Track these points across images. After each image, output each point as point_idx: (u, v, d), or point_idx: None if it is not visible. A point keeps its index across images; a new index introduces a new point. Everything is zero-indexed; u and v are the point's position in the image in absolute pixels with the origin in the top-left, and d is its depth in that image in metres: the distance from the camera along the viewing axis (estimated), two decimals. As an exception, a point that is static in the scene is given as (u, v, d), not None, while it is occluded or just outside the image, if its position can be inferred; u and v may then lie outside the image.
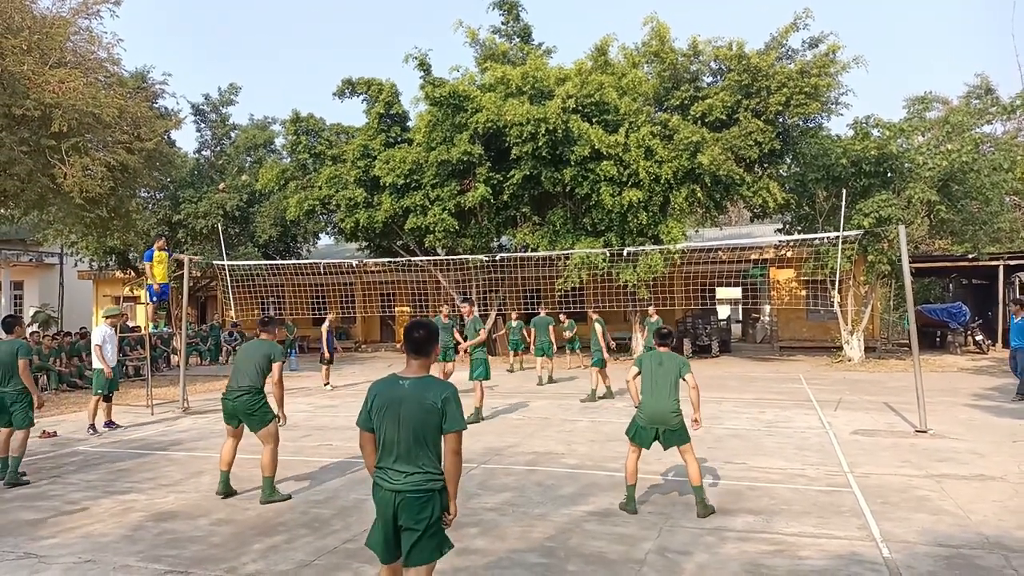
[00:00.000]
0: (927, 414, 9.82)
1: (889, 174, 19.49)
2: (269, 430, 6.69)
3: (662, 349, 6.34)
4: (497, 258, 18.33)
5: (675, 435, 6.07)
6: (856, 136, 19.85)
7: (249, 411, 6.65)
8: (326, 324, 16.47)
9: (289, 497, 6.66)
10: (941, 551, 5.04)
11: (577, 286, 20.30)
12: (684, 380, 6.09)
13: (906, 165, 19.37)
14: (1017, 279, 24.70)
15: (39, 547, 5.42)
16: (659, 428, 6.07)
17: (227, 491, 6.79)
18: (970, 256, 23.53)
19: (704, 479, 6.25)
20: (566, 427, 10.37)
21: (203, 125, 28.56)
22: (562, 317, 19.17)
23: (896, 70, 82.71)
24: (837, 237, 16.44)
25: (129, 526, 5.93)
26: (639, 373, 6.23)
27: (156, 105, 21.38)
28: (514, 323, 19.72)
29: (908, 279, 10.30)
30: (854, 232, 15.77)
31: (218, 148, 28.82)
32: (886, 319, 29.97)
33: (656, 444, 6.16)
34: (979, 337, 23.61)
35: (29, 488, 7.31)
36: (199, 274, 27.30)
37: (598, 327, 13.77)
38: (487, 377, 10.93)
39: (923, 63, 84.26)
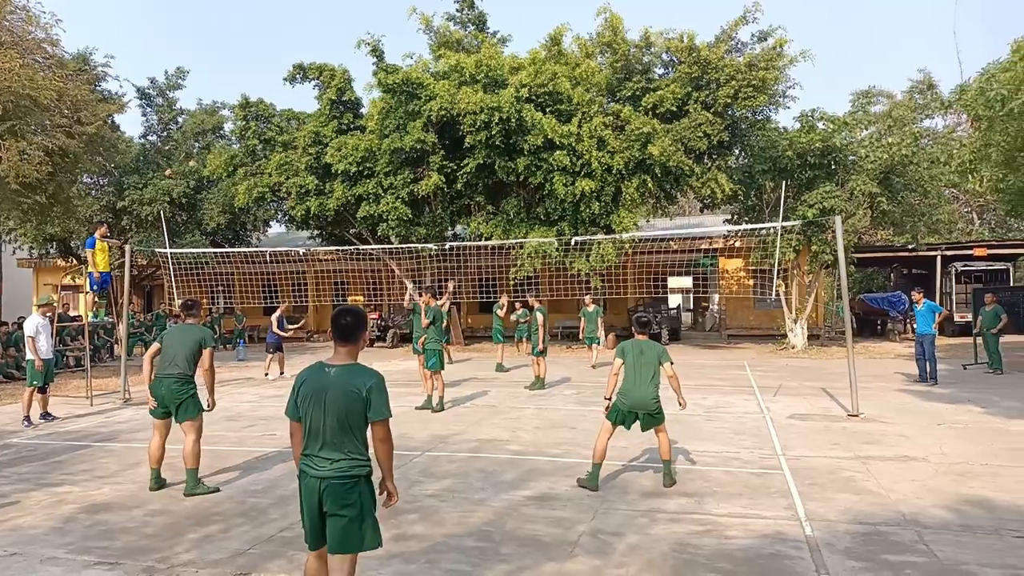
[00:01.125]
0: (863, 399, 10.19)
1: (833, 166, 20.02)
2: (194, 422, 6.54)
3: (641, 337, 6.54)
4: (447, 247, 18.30)
5: (654, 419, 6.48)
6: (802, 129, 20.34)
7: (178, 399, 6.49)
8: (277, 313, 16.16)
9: (217, 490, 6.53)
10: (860, 528, 5.26)
11: (531, 275, 20.40)
12: (663, 368, 6.42)
13: (849, 158, 19.94)
14: (954, 269, 25.62)
15: (-36, 541, 5.29)
16: (640, 412, 6.40)
17: (160, 485, 6.63)
18: (910, 247, 24.38)
19: (633, 462, 6.43)
20: (513, 414, 10.47)
21: (149, 109, 27.87)
22: (517, 305, 19.23)
23: (845, 64, 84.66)
24: (783, 227, 16.86)
25: (60, 518, 5.82)
26: (623, 362, 6.40)
27: (98, 88, 20.81)
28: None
29: (843, 269, 10.62)
30: (793, 223, 16.15)
31: (164, 133, 28.15)
32: (830, 308, 30.85)
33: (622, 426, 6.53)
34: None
35: (-43, 481, 7.11)
36: (145, 262, 26.70)
37: (539, 316, 13.88)
38: (441, 367, 10.94)
39: (871, 57, 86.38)
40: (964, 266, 25.58)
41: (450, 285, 13.86)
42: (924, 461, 7.24)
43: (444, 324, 11.65)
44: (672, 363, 6.46)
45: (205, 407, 6.71)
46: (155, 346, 6.72)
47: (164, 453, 6.69)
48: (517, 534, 5.28)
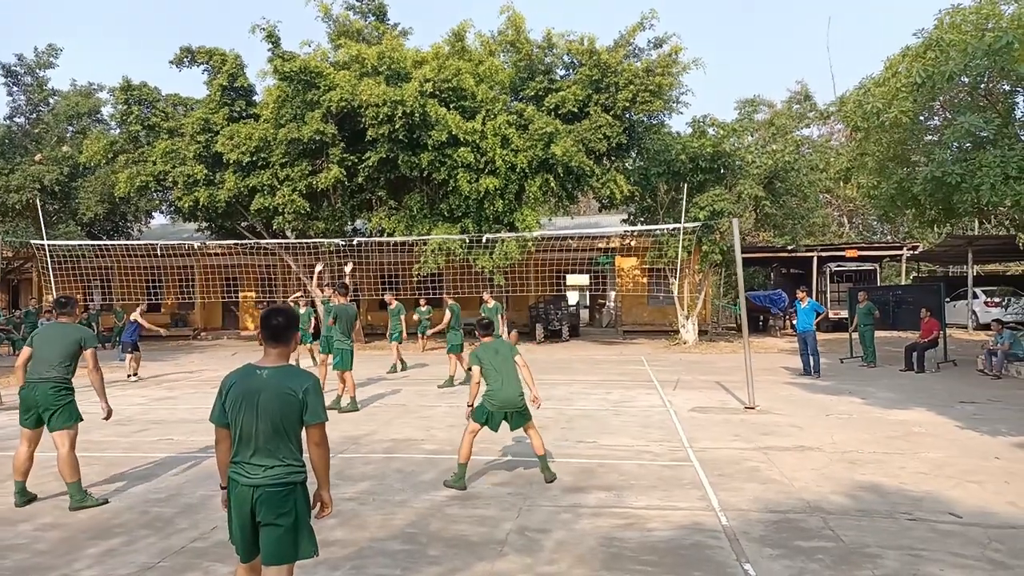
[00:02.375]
0: (755, 392, 10.75)
1: (722, 170, 21.02)
2: (69, 431, 5.98)
3: (487, 339, 6.58)
4: (355, 242, 17.89)
5: (522, 416, 6.52)
6: (694, 134, 21.25)
7: (53, 406, 5.93)
8: (136, 312, 15.06)
9: (106, 501, 6.03)
10: (771, 517, 5.54)
11: (434, 272, 20.26)
12: (515, 361, 6.48)
13: (737, 163, 20.98)
14: (828, 268, 27.47)
15: None
16: (508, 411, 6.43)
17: (27, 500, 6.02)
18: (789, 247, 25.92)
19: (544, 456, 6.55)
20: (424, 413, 10.36)
21: (16, 89, 25.64)
22: (421, 301, 19.01)
23: (728, 73, 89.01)
24: (676, 228, 17.54)
25: (-67, 538, 5.26)
26: (481, 368, 6.40)
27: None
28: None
29: (740, 269, 11.17)
30: (692, 224, 16.83)
31: (34, 115, 26.01)
32: (717, 305, 32.38)
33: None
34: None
35: None
36: (11, 254, 24.60)
37: (449, 313, 13.85)
38: (349, 367, 10.66)
39: (751, 67, 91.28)
40: (838, 266, 27.47)
41: (347, 268, 13.57)
42: (819, 450, 7.72)
43: (355, 323, 11.33)
44: (521, 355, 6.59)
45: (102, 414, 6.22)
46: (27, 350, 6.10)
47: (32, 465, 6.09)
48: (443, 535, 5.23)
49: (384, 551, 4.92)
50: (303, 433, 3.46)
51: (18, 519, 5.67)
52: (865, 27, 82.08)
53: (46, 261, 14.54)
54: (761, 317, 28.57)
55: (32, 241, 16.09)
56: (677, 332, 22.90)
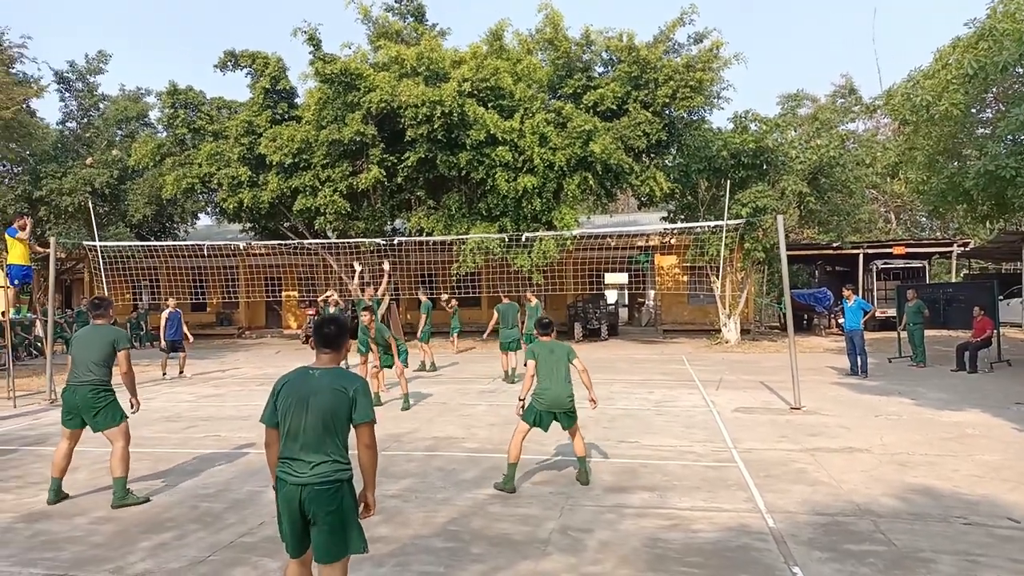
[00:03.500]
0: (801, 392, 10.54)
1: (765, 166, 20.66)
2: (119, 429, 6.09)
3: (545, 339, 6.53)
4: (396, 241, 18.03)
5: (570, 417, 6.45)
6: (736, 130, 20.93)
7: (93, 407, 6.02)
8: (167, 311, 15.35)
9: (147, 500, 6.09)
10: (819, 519, 5.43)
11: (472, 271, 20.32)
12: (573, 365, 6.41)
13: (780, 158, 20.59)
14: (875, 266, 26.83)
15: None
16: (557, 412, 6.35)
17: (59, 499, 6.12)
18: (834, 244, 25.37)
19: (593, 458, 6.48)
20: (465, 412, 10.40)
21: (68, 95, 26.43)
22: (452, 301, 18.97)
23: (768, 67, 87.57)
24: (718, 225, 17.31)
25: (-5, 529, 5.45)
26: (536, 363, 6.35)
27: (13, 71, 19.58)
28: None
29: (785, 266, 10.97)
30: (736, 221, 16.58)
31: (85, 120, 26.76)
32: (759, 303, 31.90)
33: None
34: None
35: None
36: (64, 256, 25.37)
37: (496, 313, 13.90)
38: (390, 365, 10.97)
39: (794, 61, 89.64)
40: (884, 264, 26.81)
41: (386, 265, 13.49)
42: (868, 452, 7.54)
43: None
44: (579, 359, 6.51)
45: (129, 412, 6.33)
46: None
47: (69, 463, 6.20)
48: (486, 533, 5.23)
49: (427, 548, 4.95)
50: (350, 434, 3.50)
51: (74, 513, 5.84)
52: (912, 18, 79.99)
53: (98, 262, 14.95)
54: (805, 316, 28.05)
55: (84, 242, 16.54)
56: (719, 331, 22.61)
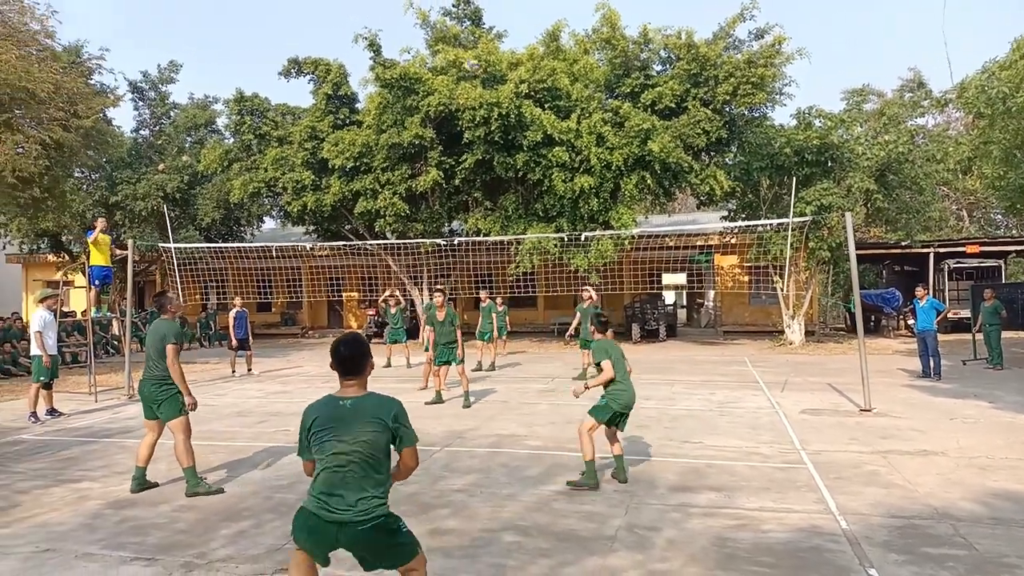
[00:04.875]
0: (871, 394, 10.26)
1: (830, 163, 20.12)
2: (178, 421, 6.30)
3: (601, 336, 6.55)
4: (456, 242, 18.21)
5: (626, 419, 6.53)
6: (799, 126, 20.44)
7: (156, 400, 6.31)
8: (234, 311, 15.83)
9: (221, 491, 6.30)
10: (894, 522, 5.29)
11: (529, 271, 20.37)
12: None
13: (846, 155, 20.03)
14: (946, 266, 25.85)
15: (-8, 538, 5.21)
16: (625, 412, 6.44)
17: (141, 488, 6.38)
18: (903, 243, 24.55)
19: (655, 457, 6.45)
20: (526, 410, 10.45)
21: (141, 103, 27.56)
22: (499, 301, 18.86)
23: (834, 62, 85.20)
24: (780, 224, 16.95)
25: (86, 514, 5.75)
26: (611, 361, 6.33)
27: (92, 82, 20.51)
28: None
29: (855, 265, 10.69)
30: (800, 219, 16.20)
31: (157, 127, 27.86)
32: (823, 304, 31.08)
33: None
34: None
35: (-29, 478, 7.00)
36: (137, 258, 26.46)
37: (579, 314, 14.07)
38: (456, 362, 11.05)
39: (859, 57, 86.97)
40: (956, 263, 25.81)
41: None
42: (943, 455, 7.30)
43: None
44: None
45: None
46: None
47: (151, 453, 6.45)
48: (552, 528, 5.27)
49: (495, 541, 5.01)
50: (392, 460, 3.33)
51: (158, 501, 6.11)
52: (986, 7, 76.67)
53: (172, 263, 15.56)
54: (872, 317, 27.22)
55: (160, 244, 17.25)
56: (781, 332, 22.13)
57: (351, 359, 3.31)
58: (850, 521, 5.31)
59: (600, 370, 6.39)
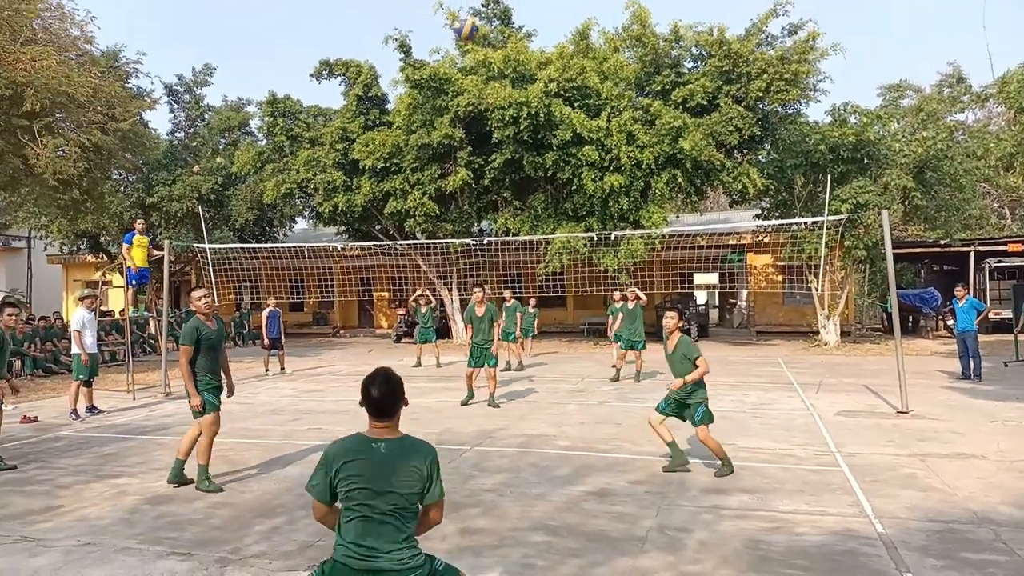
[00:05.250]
0: (909, 396, 10.06)
1: (866, 160, 19.75)
2: (203, 419, 6.37)
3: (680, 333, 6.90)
4: (486, 242, 18.23)
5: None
6: (834, 123, 20.10)
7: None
8: (267, 310, 16.02)
9: (220, 490, 6.31)
10: (932, 526, 5.17)
11: (558, 271, 20.32)
12: None
13: (883, 152, 19.65)
14: (987, 265, 25.20)
15: (35, 531, 5.35)
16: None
17: (180, 482, 6.55)
18: (942, 242, 24.00)
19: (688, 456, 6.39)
20: (555, 410, 10.43)
21: (176, 106, 28.07)
22: (531, 302, 18.66)
23: (869, 57, 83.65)
24: (815, 223, 16.68)
25: (125, 509, 5.87)
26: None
27: (129, 85, 20.94)
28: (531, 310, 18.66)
29: (891, 264, 10.49)
30: (836, 217, 15.93)
31: (192, 130, 28.33)
32: (860, 304, 30.51)
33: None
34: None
35: (16, 473, 7.19)
36: (174, 258, 26.96)
37: (621, 314, 13.95)
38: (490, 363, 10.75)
39: (895, 51, 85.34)
40: (998, 262, 25.14)
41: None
42: (984, 458, 7.12)
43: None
44: None
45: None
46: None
47: (192, 447, 6.56)
48: (583, 529, 5.25)
49: (525, 541, 5.00)
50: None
51: (193, 497, 6.22)
52: (1027, -1, 74.60)
53: (207, 263, 15.81)
54: (911, 317, 26.67)
55: (195, 245, 17.54)
56: (816, 333, 21.78)
57: (383, 401, 3.02)
58: (886, 525, 5.21)
59: (696, 366, 6.52)
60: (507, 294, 16.96)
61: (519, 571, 4.50)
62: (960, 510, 5.53)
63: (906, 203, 20.71)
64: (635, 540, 4.99)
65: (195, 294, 6.59)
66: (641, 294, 14.01)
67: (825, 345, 20.80)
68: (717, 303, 34.95)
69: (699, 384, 6.60)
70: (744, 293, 28.08)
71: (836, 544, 4.86)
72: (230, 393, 6.75)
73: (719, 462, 6.69)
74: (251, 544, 5.01)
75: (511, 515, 5.59)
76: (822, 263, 14.42)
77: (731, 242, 25.83)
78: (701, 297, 29.48)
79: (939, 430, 8.56)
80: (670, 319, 6.71)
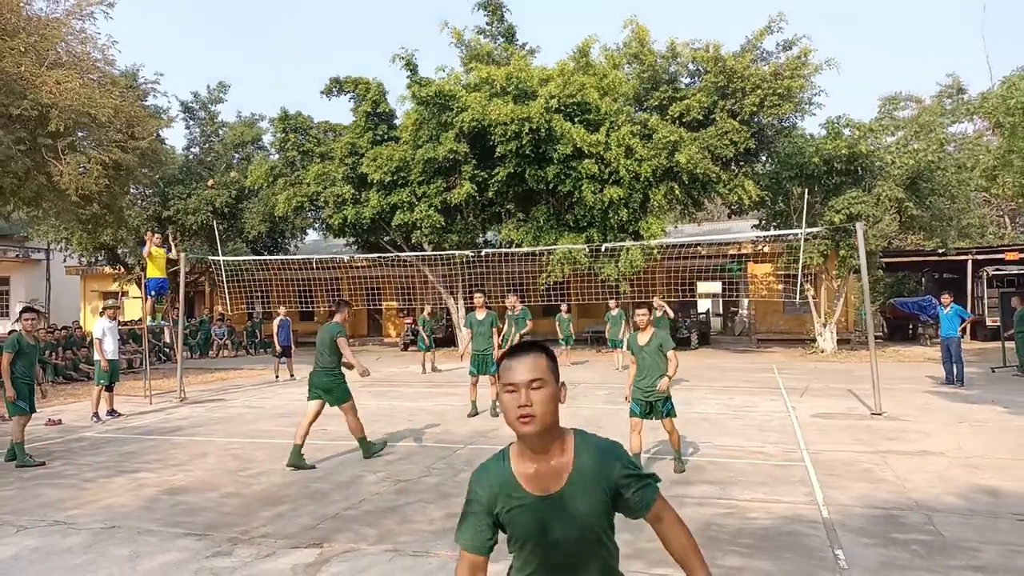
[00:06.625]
0: (888, 399, 10.57)
1: (860, 172, 20.23)
2: (347, 405, 7.93)
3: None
4: (482, 253, 18.86)
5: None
6: (828, 135, 20.60)
7: (327, 388, 7.86)
8: (278, 319, 16.74)
9: (383, 446, 8.20)
10: (873, 512, 5.70)
11: (560, 280, 20.90)
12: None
13: (876, 164, 20.14)
14: (985, 273, 25.56)
15: (66, 516, 5.98)
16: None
17: (296, 466, 7.55)
18: (939, 251, 24.40)
19: (662, 456, 6.89)
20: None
21: (192, 122, 28.93)
22: (611, 303, 18.79)
23: (872, 67, 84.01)
24: (807, 233, 17.15)
25: (145, 499, 6.49)
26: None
27: (147, 103, 21.76)
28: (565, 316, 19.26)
29: (865, 274, 11.00)
30: (815, 229, 16.47)
31: (207, 145, 29.17)
32: (860, 312, 30.84)
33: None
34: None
35: (44, 469, 7.83)
36: (188, 269, 27.72)
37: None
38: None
39: (898, 62, 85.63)
40: (996, 270, 25.51)
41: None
42: (941, 456, 7.62)
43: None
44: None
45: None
46: None
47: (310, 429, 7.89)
48: (557, 515, 5.80)
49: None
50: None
51: (207, 489, 6.83)
52: (1035, 8, 74.66)
53: (220, 275, 16.50)
54: (910, 324, 27.04)
55: (209, 257, 18.25)
56: (814, 340, 22.22)
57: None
58: (832, 511, 5.74)
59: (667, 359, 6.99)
60: (512, 299, 17.09)
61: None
62: (904, 499, 6.05)
63: (901, 213, 21.16)
64: (602, 524, 5.54)
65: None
66: (666, 305, 15.05)
67: (821, 352, 21.24)
68: (720, 311, 35.37)
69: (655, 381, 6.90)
70: (745, 301, 28.51)
71: (782, 527, 5.40)
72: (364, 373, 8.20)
73: (682, 457, 7.21)
74: (258, 527, 5.61)
75: (493, 503, 6.15)
76: (801, 271, 14.91)
77: (731, 252, 26.33)
78: (702, 305, 29.92)
79: (907, 430, 9.05)
80: (642, 315, 7.15)
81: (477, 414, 10.91)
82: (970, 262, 25.45)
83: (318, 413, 7.92)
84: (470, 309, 20.94)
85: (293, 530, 5.54)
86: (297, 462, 7.56)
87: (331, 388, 7.90)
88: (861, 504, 5.92)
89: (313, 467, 7.59)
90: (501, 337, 12.91)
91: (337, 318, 8.26)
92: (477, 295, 11.19)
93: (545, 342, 2.39)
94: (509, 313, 16.83)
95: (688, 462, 7.45)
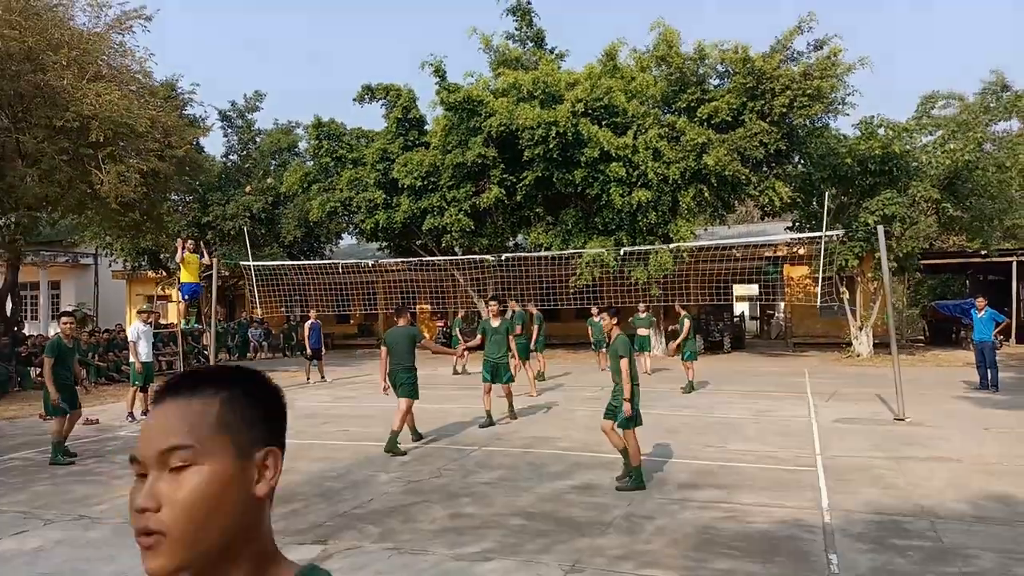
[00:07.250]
0: (916, 405, 10.42)
1: (895, 172, 19.83)
2: (409, 402, 8.67)
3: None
4: (503, 258, 18.99)
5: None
6: (862, 136, 20.25)
7: (402, 383, 8.71)
8: (309, 322, 17.08)
9: (404, 453, 8.42)
10: (876, 518, 5.67)
11: (589, 284, 20.89)
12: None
13: (911, 164, 19.72)
14: (1030, 275, 24.77)
15: (91, 511, 6.28)
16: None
17: (395, 453, 8.33)
18: (982, 252, 23.74)
19: (675, 459, 6.94)
20: (566, 416, 11.06)
21: (230, 130, 29.67)
22: (594, 310, 18.84)
23: (915, 66, 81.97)
24: (835, 235, 16.95)
25: (166, 495, 6.75)
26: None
27: (185, 113, 22.43)
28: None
29: (887, 275, 10.91)
30: (831, 232, 16.28)
31: (244, 152, 29.89)
32: (904, 314, 30.14)
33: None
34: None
35: (77, 466, 8.19)
36: (228, 273, 28.41)
37: (688, 322, 13.66)
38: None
39: (941, 59, 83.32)
40: (1042, 272, 24.70)
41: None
42: (957, 462, 7.51)
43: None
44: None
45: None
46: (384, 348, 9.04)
47: (404, 421, 8.71)
48: (556, 515, 5.91)
49: (503, 524, 5.69)
50: None
51: (225, 486, 7.07)
52: (1090, -1, 72.02)
53: (252, 279, 16.94)
54: (953, 327, 26.33)
55: (241, 262, 18.75)
56: (850, 344, 21.83)
57: None
58: (834, 516, 5.72)
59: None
60: (532, 308, 17.07)
61: (492, 546, 5.19)
62: (910, 505, 5.99)
63: (939, 214, 20.68)
64: (601, 525, 5.63)
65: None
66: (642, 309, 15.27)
67: (858, 356, 20.85)
68: (758, 315, 34.91)
69: (620, 387, 6.76)
70: (781, 304, 28.12)
71: (780, 531, 5.41)
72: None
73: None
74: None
75: (497, 504, 6.28)
76: (821, 275, 14.74)
77: (766, 254, 25.98)
78: (739, 308, 29.58)
79: (928, 436, 8.91)
80: (605, 321, 7.31)
81: (493, 424, 10.26)
82: (1015, 263, 24.68)
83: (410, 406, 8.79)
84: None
85: (302, 527, 5.73)
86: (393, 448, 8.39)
87: (403, 383, 8.72)
88: (866, 510, 5.88)
89: (404, 453, 8.39)
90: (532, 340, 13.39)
91: (401, 321, 9.16)
92: (492, 303, 11.30)
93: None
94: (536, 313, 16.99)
95: (693, 465, 7.47)
